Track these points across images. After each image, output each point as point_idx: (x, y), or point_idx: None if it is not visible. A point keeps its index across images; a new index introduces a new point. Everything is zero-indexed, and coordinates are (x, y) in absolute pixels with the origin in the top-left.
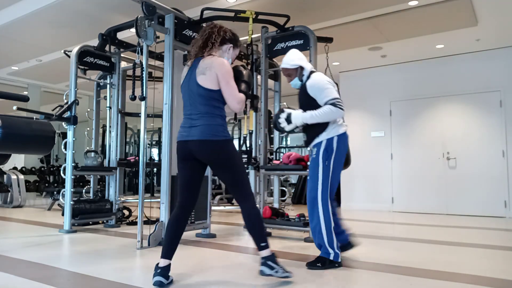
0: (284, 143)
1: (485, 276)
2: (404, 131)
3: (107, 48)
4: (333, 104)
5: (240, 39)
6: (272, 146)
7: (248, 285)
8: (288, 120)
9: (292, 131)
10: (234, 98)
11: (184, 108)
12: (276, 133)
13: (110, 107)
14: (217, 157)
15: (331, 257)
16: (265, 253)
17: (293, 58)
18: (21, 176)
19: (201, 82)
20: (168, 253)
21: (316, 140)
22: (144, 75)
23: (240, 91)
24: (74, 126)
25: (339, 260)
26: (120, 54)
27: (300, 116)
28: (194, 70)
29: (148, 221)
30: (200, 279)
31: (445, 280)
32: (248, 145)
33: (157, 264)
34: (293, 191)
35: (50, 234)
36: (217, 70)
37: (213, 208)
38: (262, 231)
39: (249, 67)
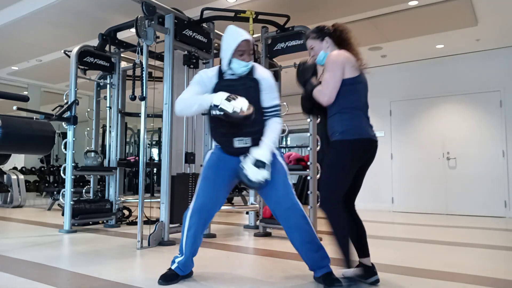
0: (284, 143)
1: (485, 276)
2: (404, 131)
3: (107, 48)
4: None
5: None
6: None
7: (248, 284)
8: None
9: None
10: None
11: (361, 102)
12: None
13: (110, 107)
14: None
15: None
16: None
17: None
18: (21, 176)
19: None
20: (363, 252)
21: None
22: (144, 75)
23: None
24: (74, 126)
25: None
26: (120, 54)
27: None
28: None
29: (148, 221)
30: (200, 279)
31: (445, 280)
32: None
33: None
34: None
35: (50, 234)
36: None
37: None
38: None
39: None
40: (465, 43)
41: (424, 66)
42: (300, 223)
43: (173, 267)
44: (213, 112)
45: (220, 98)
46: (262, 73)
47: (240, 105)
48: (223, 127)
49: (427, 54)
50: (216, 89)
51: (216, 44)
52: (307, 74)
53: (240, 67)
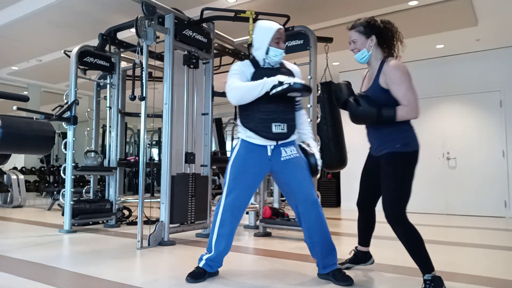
0: None
1: (485, 276)
2: None
3: (107, 48)
4: None
5: (240, 39)
6: None
7: (248, 284)
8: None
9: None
10: None
11: None
12: None
13: (110, 107)
14: None
15: None
16: None
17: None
18: (21, 176)
19: None
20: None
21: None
22: (144, 75)
23: None
24: (74, 126)
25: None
26: (120, 54)
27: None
28: None
29: (148, 221)
30: None
31: (445, 280)
32: None
33: None
34: None
35: (50, 234)
36: None
37: (213, 208)
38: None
39: None
40: (465, 43)
41: (424, 66)
42: (320, 220)
43: (201, 265)
44: (274, 91)
45: (281, 77)
46: (293, 66)
47: (297, 80)
48: (262, 113)
49: (427, 54)
50: (255, 77)
51: (216, 44)
52: (346, 94)
53: (277, 54)
